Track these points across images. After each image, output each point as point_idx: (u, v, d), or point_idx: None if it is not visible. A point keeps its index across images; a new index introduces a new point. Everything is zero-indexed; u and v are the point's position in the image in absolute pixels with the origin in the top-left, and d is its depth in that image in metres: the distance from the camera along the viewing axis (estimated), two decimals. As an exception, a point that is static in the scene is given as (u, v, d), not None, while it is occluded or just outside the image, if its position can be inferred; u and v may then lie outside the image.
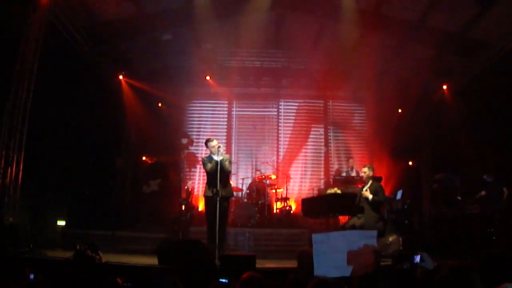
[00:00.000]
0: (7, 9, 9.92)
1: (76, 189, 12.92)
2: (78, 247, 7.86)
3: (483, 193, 11.61)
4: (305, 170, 16.79)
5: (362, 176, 10.75)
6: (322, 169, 16.84)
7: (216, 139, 10.03)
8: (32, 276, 4.77)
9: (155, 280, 3.32)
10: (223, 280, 4.96)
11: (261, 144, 16.81)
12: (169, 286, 3.33)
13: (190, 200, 13.93)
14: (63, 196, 12.29)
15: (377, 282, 4.21)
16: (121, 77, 15.03)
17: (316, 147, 17.04)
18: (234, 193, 13.16)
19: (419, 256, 6.19)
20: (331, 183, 14.83)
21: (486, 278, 3.19)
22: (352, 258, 5.23)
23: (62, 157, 11.92)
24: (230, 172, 9.86)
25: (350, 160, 15.06)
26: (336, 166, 16.59)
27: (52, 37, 11.17)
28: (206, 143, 9.67)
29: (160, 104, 15.94)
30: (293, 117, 17.23)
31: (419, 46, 13.90)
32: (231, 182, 10.63)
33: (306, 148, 16.97)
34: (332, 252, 5.64)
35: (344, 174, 14.83)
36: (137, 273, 5.83)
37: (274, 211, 14.55)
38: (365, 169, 10.39)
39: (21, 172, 10.46)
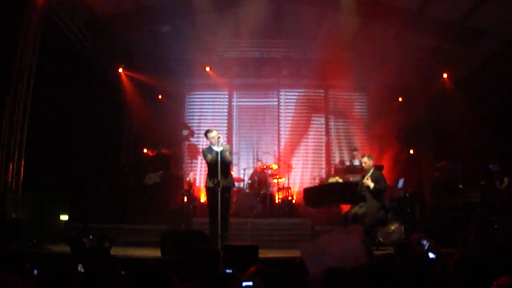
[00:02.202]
0: (5, 4, 9.90)
1: (78, 183, 12.95)
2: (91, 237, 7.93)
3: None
4: (306, 160, 16.80)
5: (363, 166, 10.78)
6: (324, 158, 16.85)
7: (217, 130, 10.09)
8: (35, 272, 4.79)
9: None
10: (228, 271, 4.97)
11: (262, 134, 16.82)
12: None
13: (192, 191, 13.97)
14: (65, 190, 12.32)
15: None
16: (120, 70, 15.04)
17: (317, 136, 17.04)
18: (236, 184, 13.22)
19: (426, 241, 6.22)
20: (333, 172, 14.88)
21: (485, 267, 3.20)
22: (341, 253, 5.26)
23: (63, 151, 11.94)
24: (230, 162, 9.89)
25: (355, 152, 15.01)
26: (337, 155, 16.60)
27: (51, 32, 11.15)
28: (205, 134, 9.70)
29: (160, 96, 15.95)
30: (294, 107, 17.22)
31: (419, 35, 13.86)
32: (232, 173, 10.64)
33: (307, 138, 16.97)
34: (322, 254, 5.68)
35: (348, 163, 14.84)
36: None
37: (276, 201, 14.55)
38: (365, 159, 10.41)
39: (22, 167, 10.48)
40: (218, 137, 9.39)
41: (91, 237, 8.21)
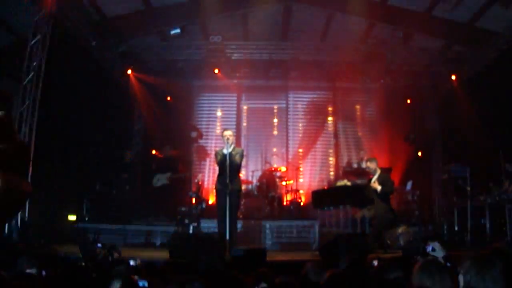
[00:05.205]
0: (15, 6, 9.96)
1: (86, 183, 13.00)
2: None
3: None
4: (314, 162, 16.78)
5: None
6: (332, 161, 16.83)
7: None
8: (43, 273, 4.82)
9: None
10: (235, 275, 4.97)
11: (271, 137, 16.83)
12: None
13: (200, 193, 13.98)
14: (73, 190, 12.36)
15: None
16: (129, 71, 15.08)
17: (325, 138, 17.01)
18: (244, 186, 13.20)
19: (430, 246, 6.21)
20: (341, 174, 14.86)
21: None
22: None
23: (72, 152, 11.99)
24: (239, 165, 9.57)
25: (361, 152, 15.03)
26: (345, 158, 16.56)
27: (60, 33, 11.18)
28: (222, 132, 9.55)
29: (169, 98, 15.99)
30: (302, 109, 17.22)
31: (428, 36, 13.81)
32: (240, 175, 10.57)
33: (316, 140, 16.95)
34: None
35: (355, 165, 14.81)
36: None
37: (284, 203, 14.53)
38: (368, 164, 10.47)
39: (31, 168, 10.52)
40: (227, 138, 9.19)
41: (100, 245, 8.15)
